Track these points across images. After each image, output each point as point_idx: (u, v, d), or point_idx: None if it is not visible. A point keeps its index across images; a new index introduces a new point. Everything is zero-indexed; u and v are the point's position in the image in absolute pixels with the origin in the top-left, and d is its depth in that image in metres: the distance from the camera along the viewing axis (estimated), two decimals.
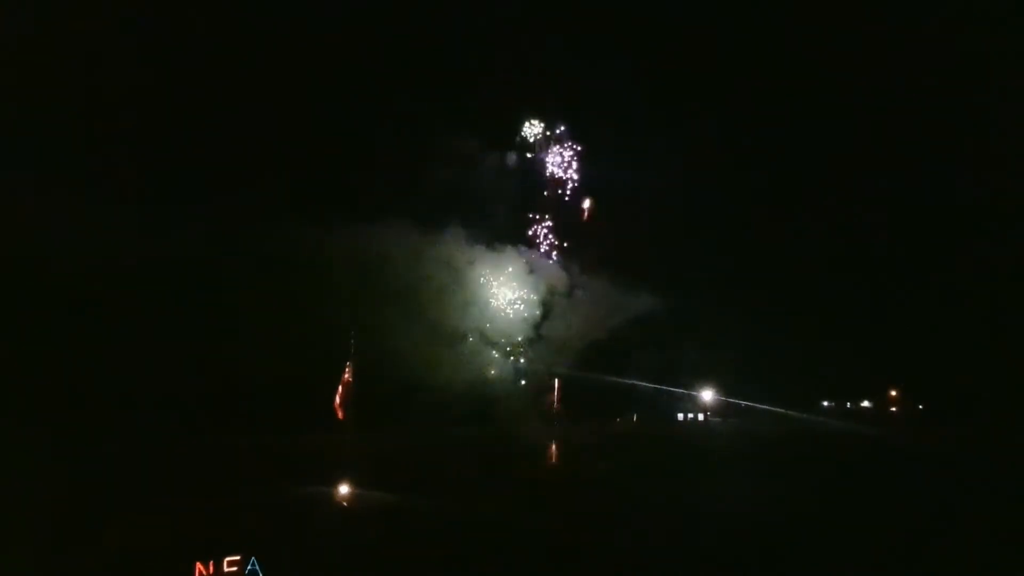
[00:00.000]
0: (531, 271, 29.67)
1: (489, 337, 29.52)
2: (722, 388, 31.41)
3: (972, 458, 27.56)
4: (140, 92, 24.32)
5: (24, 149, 21.95)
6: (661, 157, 29.40)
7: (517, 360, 29.93)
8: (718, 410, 32.32)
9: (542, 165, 30.22)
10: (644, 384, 29.95)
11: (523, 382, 29.99)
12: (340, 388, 23.63)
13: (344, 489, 23.16)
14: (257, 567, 19.57)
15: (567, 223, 30.44)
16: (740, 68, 29.43)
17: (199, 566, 18.76)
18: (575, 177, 30.26)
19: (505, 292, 29.28)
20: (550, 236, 30.41)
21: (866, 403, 35.18)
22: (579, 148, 29.87)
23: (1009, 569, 20.25)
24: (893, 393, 35.01)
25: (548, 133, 29.85)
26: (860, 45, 28.59)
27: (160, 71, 24.33)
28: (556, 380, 30.03)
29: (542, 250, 30.20)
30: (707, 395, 31.56)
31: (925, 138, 30.02)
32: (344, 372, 23.75)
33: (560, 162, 30.14)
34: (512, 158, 29.36)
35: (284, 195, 26.17)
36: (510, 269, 29.25)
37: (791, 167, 31.41)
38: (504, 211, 28.94)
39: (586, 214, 30.43)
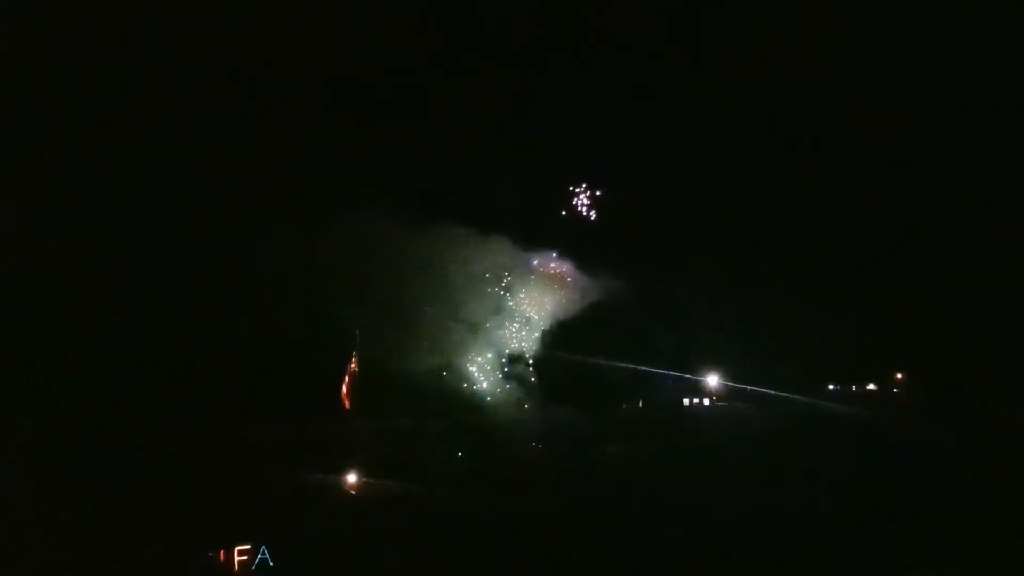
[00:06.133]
0: (537, 261, 29.75)
1: (495, 325, 29.67)
2: (727, 373, 31.47)
3: (978, 441, 27.53)
4: (142, 88, 24.43)
5: (21, 146, 22.10)
6: (665, 146, 29.35)
7: (524, 348, 30.05)
8: (723, 395, 32.37)
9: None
10: (649, 370, 30.04)
11: (531, 370, 30.09)
12: (346, 378, 23.89)
13: (352, 478, 23.46)
14: (267, 555, 19.97)
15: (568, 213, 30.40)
16: (741, 60, 29.22)
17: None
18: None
19: (512, 282, 29.42)
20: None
21: (871, 386, 35.07)
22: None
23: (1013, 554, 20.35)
24: (899, 376, 34.89)
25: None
26: (862, 39, 28.40)
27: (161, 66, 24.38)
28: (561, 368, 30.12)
29: (546, 241, 30.18)
30: (712, 380, 31.63)
31: (932, 121, 29.71)
32: (350, 362, 24.01)
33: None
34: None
35: (294, 188, 26.25)
36: (516, 258, 29.33)
37: (793, 150, 31.17)
38: (511, 205, 28.85)
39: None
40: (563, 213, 30.32)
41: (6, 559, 17.20)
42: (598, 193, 30.44)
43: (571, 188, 30.35)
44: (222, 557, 19.55)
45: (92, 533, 18.92)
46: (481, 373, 29.40)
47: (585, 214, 30.36)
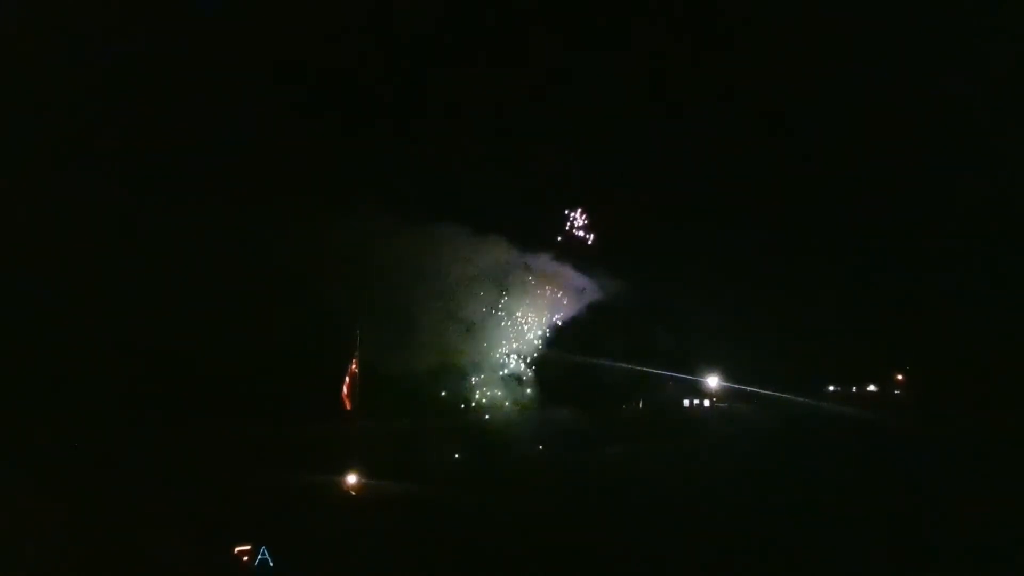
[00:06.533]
0: (538, 263, 29.80)
1: (496, 326, 29.71)
2: (727, 374, 31.50)
3: (978, 443, 27.55)
4: (142, 87, 24.47)
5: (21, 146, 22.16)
6: (664, 146, 29.43)
7: (524, 349, 30.11)
8: (723, 396, 32.39)
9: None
10: (649, 371, 30.08)
11: (531, 371, 30.15)
12: (347, 378, 23.91)
13: (352, 478, 23.49)
14: (267, 556, 19.99)
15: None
16: (739, 59, 29.29)
17: None
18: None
19: (512, 283, 29.49)
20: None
21: (872, 387, 35.08)
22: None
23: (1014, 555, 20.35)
24: (899, 377, 34.89)
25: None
26: (859, 38, 28.49)
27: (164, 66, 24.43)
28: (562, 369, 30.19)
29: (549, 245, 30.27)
30: (712, 381, 31.65)
31: (933, 120, 29.74)
32: (351, 362, 24.02)
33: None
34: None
35: (296, 188, 26.28)
36: (517, 259, 29.40)
37: (794, 150, 31.24)
38: (512, 206, 28.89)
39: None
40: (559, 239, 30.35)
41: (7, 559, 17.22)
42: (595, 209, 30.51)
43: (567, 211, 30.41)
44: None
45: (93, 533, 18.95)
46: (482, 374, 29.46)
47: (583, 235, 30.46)
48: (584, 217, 30.60)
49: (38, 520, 18.40)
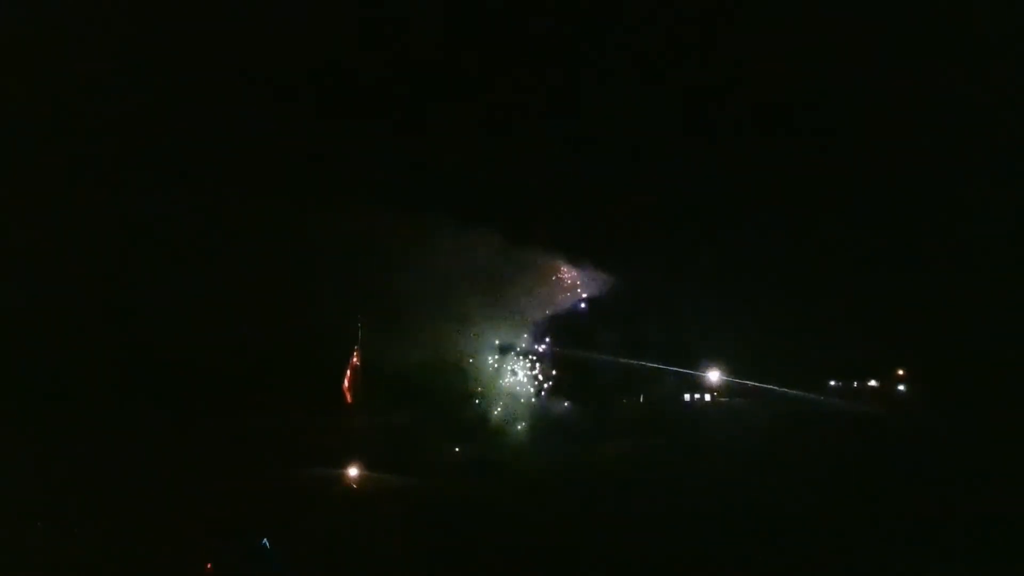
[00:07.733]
0: (539, 258, 29.84)
1: (497, 321, 29.76)
2: (727, 368, 31.51)
3: (981, 439, 27.57)
4: (142, 85, 24.52)
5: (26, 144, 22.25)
6: (666, 140, 29.41)
7: (525, 344, 30.17)
8: (724, 391, 32.39)
9: None
10: (649, 365, 30.10)
11: (531, 366, 30.21)
12: (348, 372, 24.00)
13: (353, 471, 23.63)
14: (268, 546, 20.14)
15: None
16: (739, 58, 29.25)
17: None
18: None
19: (514, 279, 29.52)
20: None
21: (873, 382, 35.04)
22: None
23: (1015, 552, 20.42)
24: (901, 373, 34.84)
25: None
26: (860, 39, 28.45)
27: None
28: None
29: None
30: (713, 376, 31.67)
31: (935, 117, 29.66)
32: (352, 356, 24.11)
33: None
34: None
35: (298, 184, 26.34)
36: (518, 255, 29.39)
37: (795, 145, 31.15)
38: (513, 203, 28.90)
39: None
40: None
41: (8, 557, 17.37)
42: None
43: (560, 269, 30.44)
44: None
45: (93, 527, 19.09)
46: (482, 369, 29.53)
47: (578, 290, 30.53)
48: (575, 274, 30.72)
49: (38, 519, 18.55)
